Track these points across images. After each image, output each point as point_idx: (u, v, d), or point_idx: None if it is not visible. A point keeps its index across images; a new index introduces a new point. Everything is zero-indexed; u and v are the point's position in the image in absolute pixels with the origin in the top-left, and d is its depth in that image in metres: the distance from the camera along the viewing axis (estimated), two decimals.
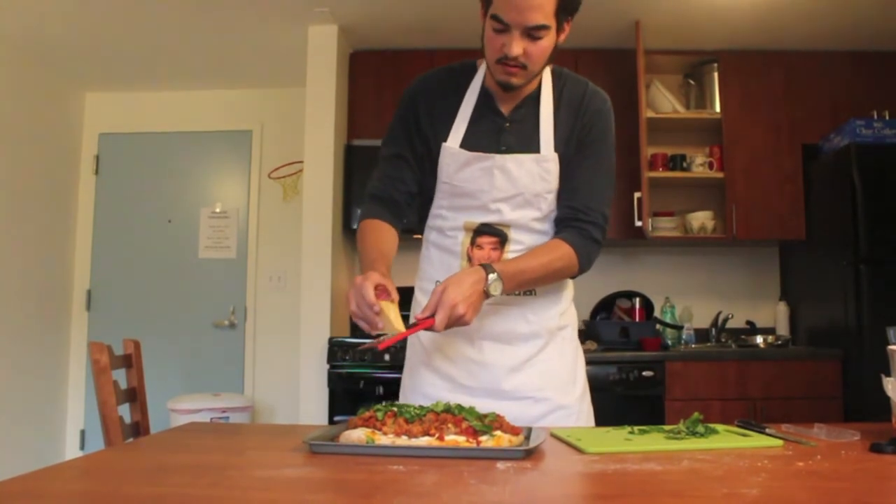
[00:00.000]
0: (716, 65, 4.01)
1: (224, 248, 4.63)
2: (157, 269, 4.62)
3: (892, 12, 3.59)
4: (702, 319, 4.11)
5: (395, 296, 1.32)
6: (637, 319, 3.86)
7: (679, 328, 3.96)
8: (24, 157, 4.24)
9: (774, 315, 4.10)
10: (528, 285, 1.48)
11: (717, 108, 3.99)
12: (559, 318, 1.57)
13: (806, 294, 3.94)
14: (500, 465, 0.99)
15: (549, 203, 1.51)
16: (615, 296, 3.92)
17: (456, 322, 1.31)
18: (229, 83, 4.65)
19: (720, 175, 3.93)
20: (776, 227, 3.88)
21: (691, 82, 4.13)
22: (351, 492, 0.88)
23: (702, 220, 3.99)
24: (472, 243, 1.51)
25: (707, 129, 4.06)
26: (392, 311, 1.28)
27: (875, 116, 3.63)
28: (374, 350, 1.30)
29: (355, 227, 3.91)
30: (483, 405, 1.44)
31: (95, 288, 4.66)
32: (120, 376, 1.81)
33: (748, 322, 4.09)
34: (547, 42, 1.39)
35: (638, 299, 3.91)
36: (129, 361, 1.90)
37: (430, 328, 1.30)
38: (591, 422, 1.59)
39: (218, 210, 4.67)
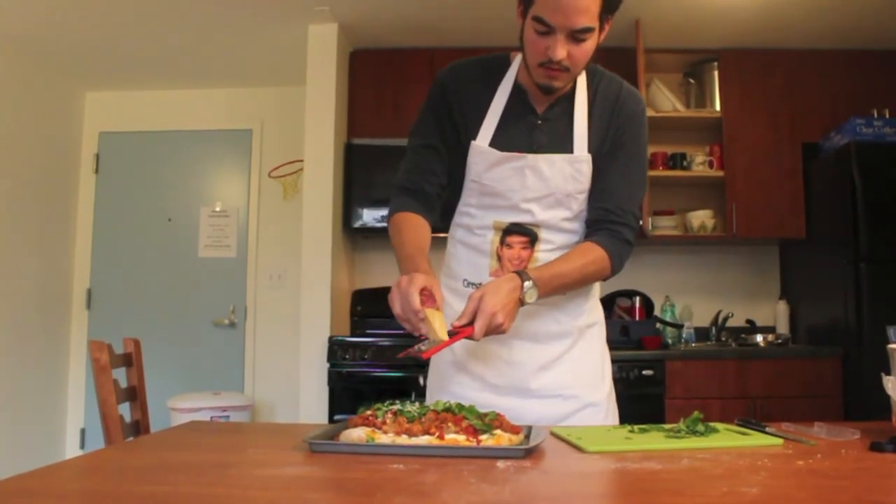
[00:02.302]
0: (716, 63, 4.01)
1: (224, 247, 4.63)
2: (158, 268, 4.62)
3: (892, 11, 3.59)
4: (702, 318, 4.11)
5: (441, 300, 1.30)
6: (637, 318, 3.86)
7: (679, 327, 3.96)
8: (25, 157, 4.24)
9: (774, 314, 4.10)
10: (562, 290, 1.46)
11: (718, 107, 3.99)
12: (588, 316, 1.56)
13: (806, 293, 3.94)
14: (501, 463, 0.98)
15: (579, 203, 1.49)
16: (615, 294, 3.92)
17: (494, 330, 1.30)
18: (229, 82, 4.65)
19: (720, 174, 3.93)
20: (776, 225, 3.88)
21: (691, 81, 4.13)
22: (351, 491, 0.88)
23: (702, 218, 3.99)
24: (502, 242, 1.49)
25: (707, 127, 4.06)
26: (437, 320, 1.26)
27: (875, 115, 3.63)
28: (419, 358, 1.28)
29: (356, 225, 3.93)
30: (511, 404, 1.44)
31: (95, 287, 4.66)
32: (120, 375, 1.81)
33: (748, 321, 4.09)
34: (590, 44, 1.36)
35: (638, 298, 3.91)
36: (130, 360, 1.90)
37: (469, 337, 1.29)
38: (617, 420, 1.57)
39: (218, 209, 4.67)
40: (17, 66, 4.18)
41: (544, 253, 1.48)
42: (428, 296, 1.28)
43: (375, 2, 3.61)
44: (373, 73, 4.05)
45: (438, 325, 1.25)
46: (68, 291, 4.63)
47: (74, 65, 4.37)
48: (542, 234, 1.48)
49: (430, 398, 1.58)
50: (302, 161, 3.99)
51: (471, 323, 1.29)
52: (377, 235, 4.15)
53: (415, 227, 1.49)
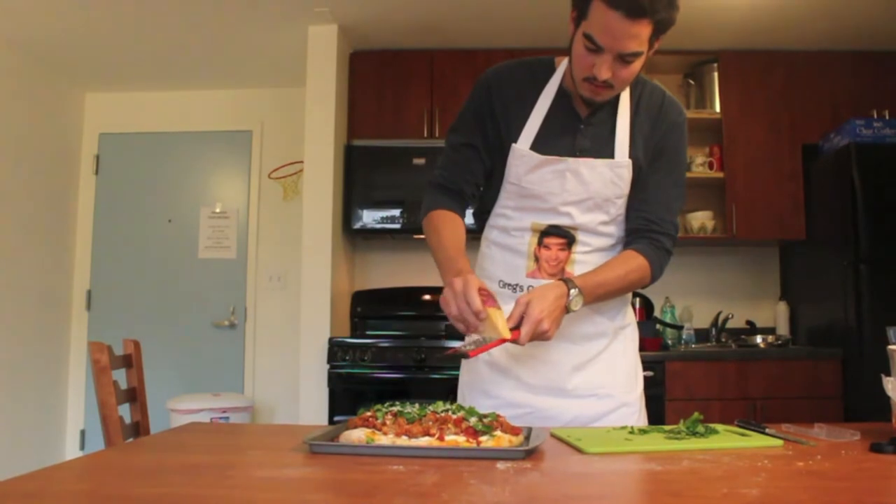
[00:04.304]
0: (716, 65, 4.02)
1: (224, 248, 4.63)
2: (157, 269, 4.62)
3: (892, 12, 3.59)
4: (702, 319, 4.11)
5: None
6: (637, 319, 3.85)
7: (679, 328, 3.96)
8: (24, 157, 4.24)
9: (774, 315, 4.10)
10: (606, 297, 1.48)
11: (717, 108, 3.99)
12: (623, 317, 1.58)
13: (806, 294, 3.94)
14: (500, 465, 0.99)
15: (617, 207, 1.50)
16: None
17: (539, 336, 1.33)
18: (229, 83, 4.65)
19: (720, 175, 3.93)
20: (776, 226, 3.88)
21: (691, 82, 4.14)
22: (351, 492, 0.88)
23: (702, 219, 3.99)
24: (540, 243, 1.50)
25: (707, 128, 4.06)
26: (500, 319, 1.28)
27: (875, 116, 3.63)
28: (464, 356, 1.30)
29: (356, 227, 3.93)
30: (546, 403, 1.47)
31: (95, 288, 4.66)
32: (120, 376, 1.81)
33: (748, 322, 4.09)
34: (637, 65, 1.37)
35: (638, 299, 3.90)
36: (129, 361, 1.90)
37: (514, 341, 1.32)
38: (646, 421, 1.58)
39: (218, 210, 4.67)
40: (17, 68, 4.18)
41: (581, 254, 1.49)
42: (487, 295, 1.30)
43: (375, 3, 3.61)
44: (373, 75, 4.05)
45: (501, 324, 1.28)
46: (68, 292, 4.63)
47: (74, 66, 4.38)
48: (580, 236, 1.49)
49: (463, 397, 1.58)
50: (302, 162, 3.99)
51: (516, 327, 1.31)
52: (377, 237, 4.16)
53: (453, 226, 1.50)
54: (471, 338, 1.36)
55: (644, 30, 1.30)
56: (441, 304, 1.32)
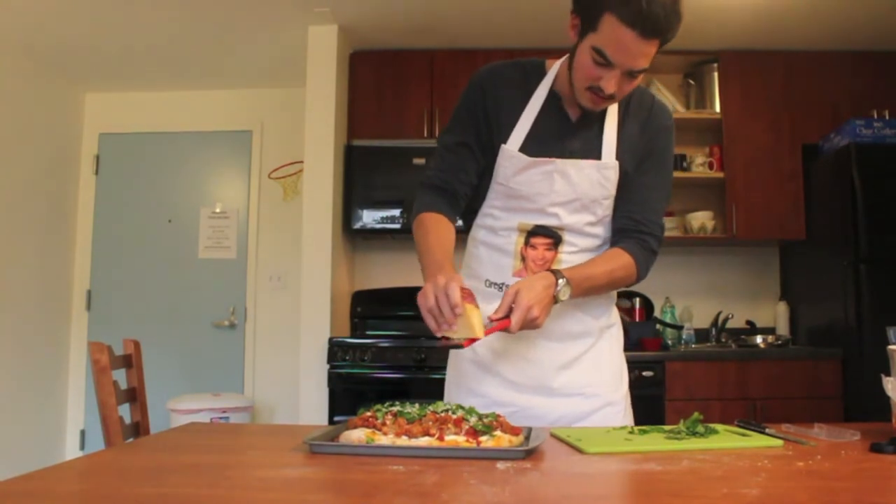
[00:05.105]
0: (716, 65, 4.02)
1: (224, 248, 4.63)
2: (157, 269, 4.62)
3: (892, 12, 3.59)
4: (702, 319, 4.10)
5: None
6: (637, 319, 3.86)
7: (679, 328, 3.96)
8: (24, 157, 4.24)
9: (774, 315, 4.10)
10: (592, 292, 1.48)
11: (717, 108, 3.99)
12: (608, 316, 1.59)
13: (806, 294, 3.94)
14: (500, 465, 0.99)
15: (604, 208, 1.51)
16: None
17: (529, 324, 1.33)
18: (229, 83, 4.65)
19: (720, 175, 3.93)
20: (776, 226, 3.88)
21: (691, 82, 4.14)
22: (351, 492, 0.88)
23: (702, 219, 3.99)
24: (526, 243, 1.51)
25: (707, 128, 4.06)
26: (475, 317, 1.28)
27: (875, 116, 3.63)
28: (459, 347, 1.31)
29: (356, 227, 3.93)
30: (532, 402, 1.47)
31: (95, 288, 4.66)
32: (120, 376, 1.81)
33: (748, 322, 4.09)
34: (640, 78, 1.40)
35: (638, 299, 3.91)
36: (129, 361, 1.90)
37: (505, 329, 1.32)
38: (632, 420, 1.58)
39: (218, 210, 4.67)
40: (18, 68, 4.18)
41: (567, 255, 1.50)
42: (468, 293, 1.30)
43: (375, 3, 3.61)
44: (373, 75, 4.05)
45: (476, 322, 1.28)
46: (68, 292, 4.63)
47: (74, 66, 4.38)
48: (566, 236, 1.50)
49: (449, 396, 1.58)
50: (302, 162, 3.99)
51: (506, 317, 1.32)
52: (377, 237, 4.15)
53: (443, 229, 1.49)
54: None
55: (655, 48, 1.34)
56: (418, 299, 1.31)
